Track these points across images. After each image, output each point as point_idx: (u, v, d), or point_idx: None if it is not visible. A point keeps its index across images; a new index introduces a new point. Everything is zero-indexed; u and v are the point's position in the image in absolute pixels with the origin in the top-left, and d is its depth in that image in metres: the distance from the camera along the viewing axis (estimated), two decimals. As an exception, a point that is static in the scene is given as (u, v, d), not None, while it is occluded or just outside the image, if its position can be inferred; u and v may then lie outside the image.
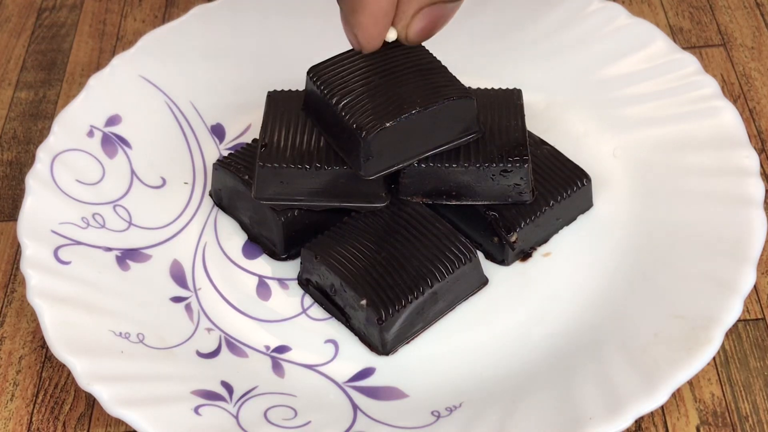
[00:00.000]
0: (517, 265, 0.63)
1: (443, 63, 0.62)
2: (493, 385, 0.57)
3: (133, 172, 0.68)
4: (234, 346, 0.60)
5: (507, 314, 0.61)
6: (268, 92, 0.65)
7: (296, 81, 0.69)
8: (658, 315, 0.58)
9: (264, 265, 0.65)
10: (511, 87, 0.67)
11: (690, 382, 0.58)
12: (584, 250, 0.63)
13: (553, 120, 0.70)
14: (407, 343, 0.60)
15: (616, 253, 0.63)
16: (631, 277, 0.61)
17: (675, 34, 0.77)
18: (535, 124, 0.68)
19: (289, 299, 0.63)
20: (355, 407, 0.57)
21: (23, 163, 0.72)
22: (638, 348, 0.57)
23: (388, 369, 0.59)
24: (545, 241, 0.64)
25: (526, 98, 0.67)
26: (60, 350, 0.57)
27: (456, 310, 0.61)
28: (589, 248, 0.63)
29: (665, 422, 0.57)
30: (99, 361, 0.57)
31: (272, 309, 0.62)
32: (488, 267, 0.63)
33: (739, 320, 0.61)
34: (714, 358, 0.59)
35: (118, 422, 0.59)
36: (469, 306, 0.62)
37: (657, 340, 0.57)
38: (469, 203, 0.63)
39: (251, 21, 0.75)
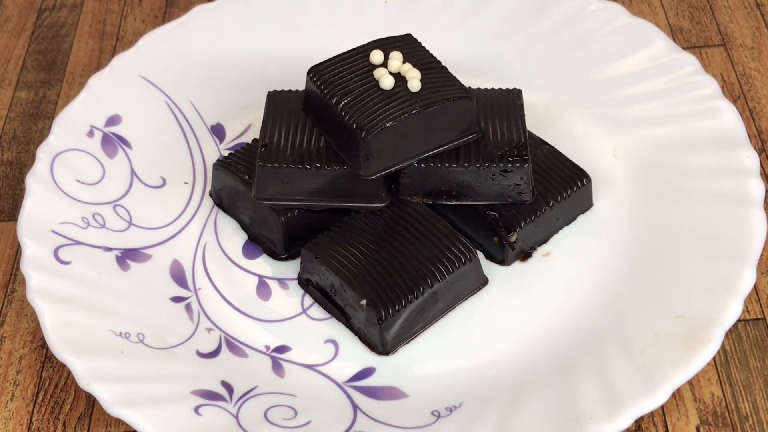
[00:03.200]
0: (517, 265, 0.63)
1: (443, 63, 0.63)
2: (493, 385, 0.57)
3: (133, 172, 0.68)
4: (234, 346, 0.60)
5: (507, 314, 0.61)
6: (268, 92, 0.65)
7: (296, 81, 0.69)
8: (658, 315, 0.58)
9: (264, 265, 0.65)
10: (511, 87, 0.67)
11: (690, 382, 0.58)
12: (584, 250, 0.63)
13: (553, 120, 0.70)
14: (407, 343, 0.60)
15: (616, 253, 0.63)
16: (631, 277, 0.61)
17: (675, 34, 0.77)
18: (535, 124, 0.68)
19: (289, 299, 0.63)
20: (355, 407, 0.57)
21: (23, 163, 0.72)
22: (638, 348, 0.57)
23: (388, 369, 0.59)
24: (545, 241, 0.64)
25: (526, 98, 0.67)
26: (60, 350, 0.57)
27: (456, 310, 0.61)
28: (589, 248, 0.63)
29: (665, 422, 0.57)
30: (99, 361, 0.57)
31: (272, 309, 0.62)
32: (488, 267, 0.63)
33: (739, 320, 0.61)
34: (714, 358, 0.59)
35: (118, 422, 0.59)
36: (469, 306, 0.62)
37: (657, 340, 0.57)
38: (469, 203, 0.63)
39: (251, 21, 0.75)
